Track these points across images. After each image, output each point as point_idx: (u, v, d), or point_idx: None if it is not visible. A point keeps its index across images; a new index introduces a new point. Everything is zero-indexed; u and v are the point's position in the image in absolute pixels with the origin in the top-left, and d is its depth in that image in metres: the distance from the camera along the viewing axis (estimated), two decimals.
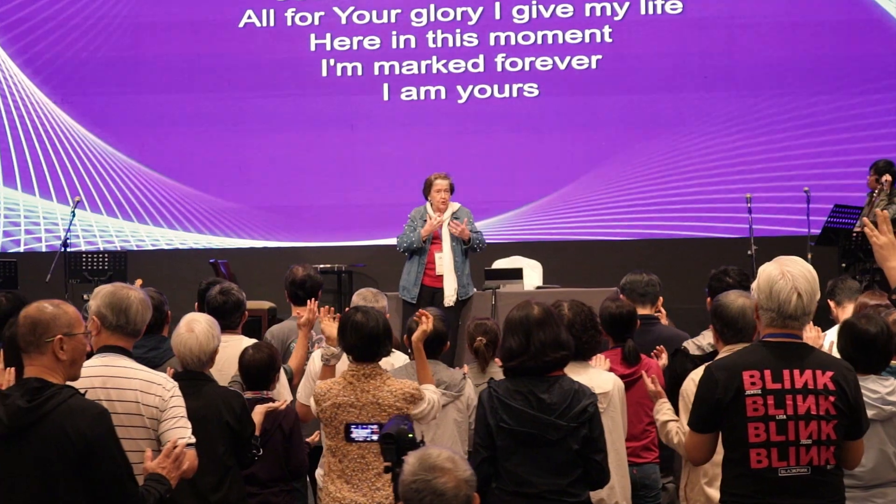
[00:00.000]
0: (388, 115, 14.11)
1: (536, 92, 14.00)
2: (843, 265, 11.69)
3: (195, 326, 5.48)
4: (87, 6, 14.11)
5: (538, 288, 11.22)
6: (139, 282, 11.58)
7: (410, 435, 3.83)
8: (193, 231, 14.13)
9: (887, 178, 11.86)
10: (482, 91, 14.05)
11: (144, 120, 14.09)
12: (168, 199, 14.10)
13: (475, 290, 10.81)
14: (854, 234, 11.62)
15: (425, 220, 10.66)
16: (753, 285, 4.52)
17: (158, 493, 3.97)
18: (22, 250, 13.96)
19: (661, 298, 7.06)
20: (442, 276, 10.56)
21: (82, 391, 4.09)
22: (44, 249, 13.94)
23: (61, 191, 14.03)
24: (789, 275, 4.42)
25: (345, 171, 14.10)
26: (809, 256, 11.51)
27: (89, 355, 4.59)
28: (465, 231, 10.50)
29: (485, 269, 11.15)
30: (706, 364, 4.76)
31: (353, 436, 4.10)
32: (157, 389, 4.69)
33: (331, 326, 6.05)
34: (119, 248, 13.71)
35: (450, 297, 10.49)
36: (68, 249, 12.34)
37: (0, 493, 3.88)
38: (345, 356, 5.73)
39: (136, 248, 13.88)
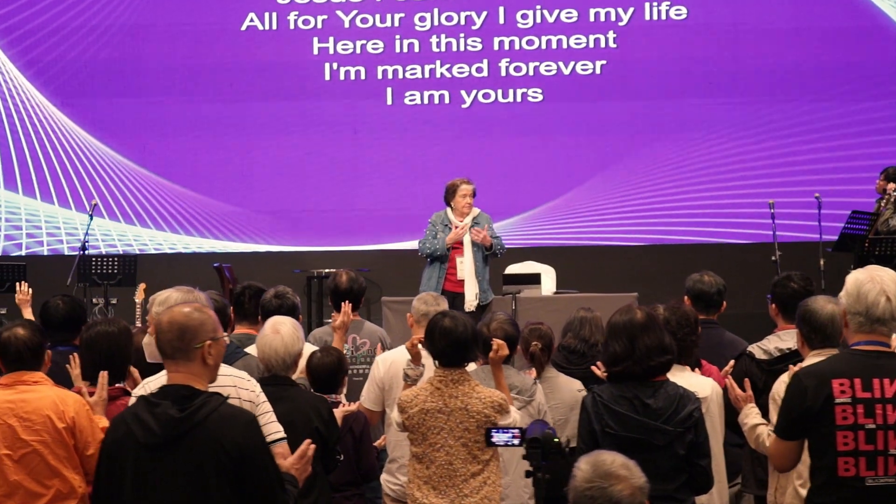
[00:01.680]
0: (392, 120, 14.06)
1: (541, 97, 13.96)
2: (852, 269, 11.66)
3: (281, 328, 5.42)
4: (90, 10, 13.96)
5: (555, 293, 11.18)
6: (142, 286, 11.48)
7: (556, 439, 3.78)
8: (185, 235, 13.99)
9: (892, 186, 11.90)
10: (486, 96, 14.01)
11: (147, 124, 13.97)
12: (170, 204, 13.96)
13: (493, 295, 10.76)
14: (866, 242, 11.64)
15: (446, 225, 10.62)
16: (842, 292, 4.53)
17: (293, 498, 3.91)
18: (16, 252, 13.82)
19: (724, 303, 7.02)
20: (463, 280, 10.51)
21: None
22: (38, 253, 13.80)
23: (46, 191, 13.88)
24: (878, 278, 4.47)
25: (348, 176, 14.03)
26: (823, 262, 11.54)
27: None
28: (486, 238, 10.47)
29: (503, 274, 11.09)
30: (794, 371, 4.75)
31: (493, 440, 4.04)
32: (249, 385, 4.73)
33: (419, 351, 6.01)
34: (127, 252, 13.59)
35: (470, 302, 10.44)
36: (76, 253, 12.17)
37: (154, 503, 3.81)
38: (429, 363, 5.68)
39: (140, 252, 13.73)
